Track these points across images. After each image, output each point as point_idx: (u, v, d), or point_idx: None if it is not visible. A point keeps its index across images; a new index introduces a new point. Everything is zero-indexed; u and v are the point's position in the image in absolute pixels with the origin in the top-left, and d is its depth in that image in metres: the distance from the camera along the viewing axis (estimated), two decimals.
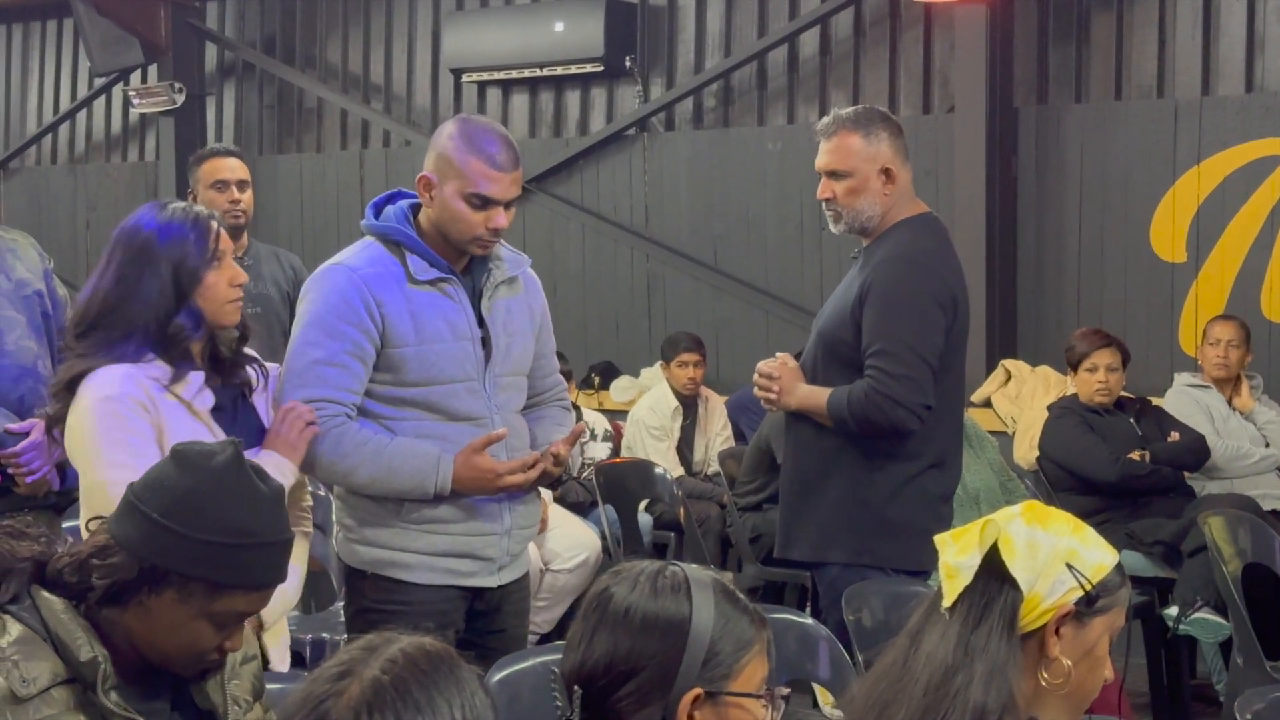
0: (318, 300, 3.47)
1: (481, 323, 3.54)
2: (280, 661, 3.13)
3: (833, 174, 4.00)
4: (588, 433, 7.38)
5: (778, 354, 4.19)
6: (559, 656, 3.13)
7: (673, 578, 2.10)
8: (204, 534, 2.14)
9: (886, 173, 3.98)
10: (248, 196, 5.20)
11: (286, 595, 3.07)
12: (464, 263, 3.56)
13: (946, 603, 2.14)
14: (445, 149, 3.47)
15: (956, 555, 2.14)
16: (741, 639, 2.09)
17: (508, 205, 3.49)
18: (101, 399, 2.97)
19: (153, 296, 3.04)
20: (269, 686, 2.44)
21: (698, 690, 2.04)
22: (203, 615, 2.17)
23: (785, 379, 4.06)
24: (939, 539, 2.19)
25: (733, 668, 2.07)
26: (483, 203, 3.47)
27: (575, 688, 2.04)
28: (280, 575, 2.23)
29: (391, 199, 3.60)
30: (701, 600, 2.08)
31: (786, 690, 2.14)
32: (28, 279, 3.92)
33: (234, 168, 5.19)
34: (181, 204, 3.16)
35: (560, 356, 4.00)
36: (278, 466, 3.12)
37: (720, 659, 2.06)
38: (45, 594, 2.16)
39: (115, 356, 3.01)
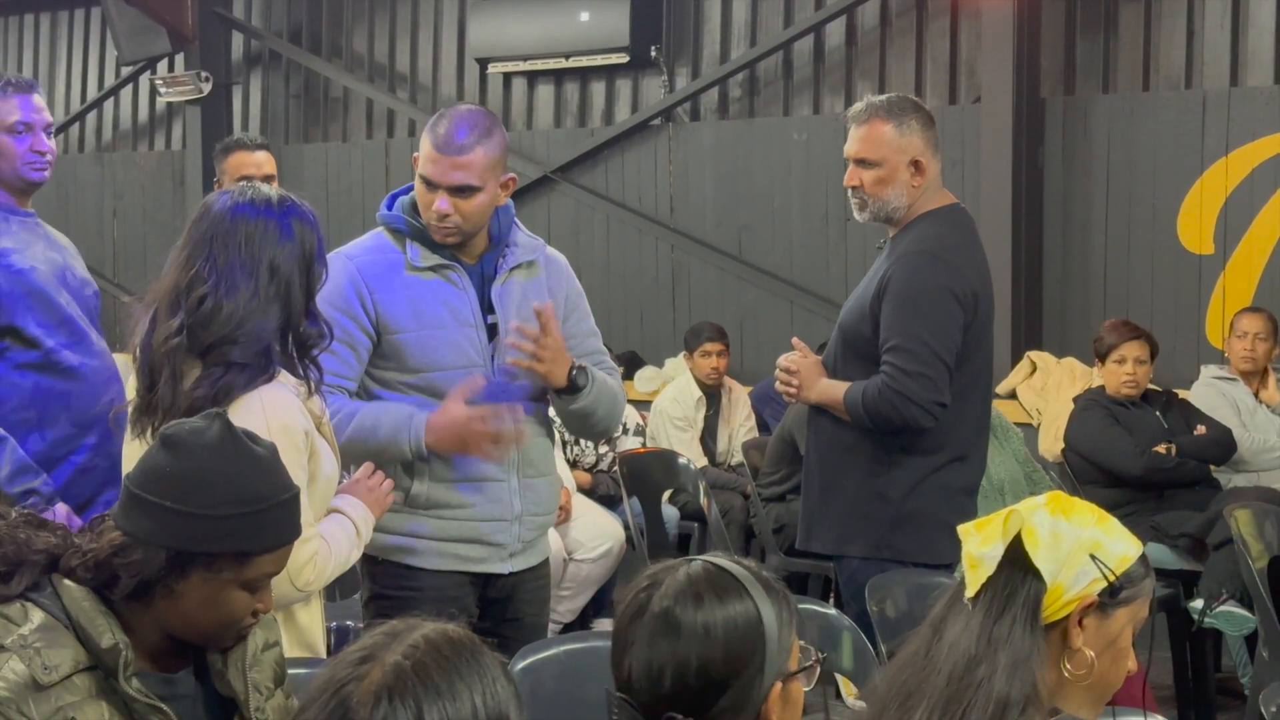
0: None
1: (493, 309, 3.54)
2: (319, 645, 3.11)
3: (862, 162, 3.98)
4: (620, 426, 7.39)
5: (794, 341, 4.19)
6: (582, 646, 3.16)
7: (719, 577, 2.08)
8: (222, 509, 2.14)
9: (916, 164, 3.95)
10: None
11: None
12: (474, 250, 3.56)
13: (969, 593, 2.13)
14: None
15: (979, 545, 2.14)
16: (784, 615, 2.09)
17: (458, 192, 3.44)
18: (282, 427, 2.76)
19: (288, 303, 2.85)
20: (291, 672, 2.44)
21: (778, 683, 2.04)
22: (234, 584, 2.19)
23: (805, 373, 4.06)
24: (962, 529, 2.19)
25: (789, 646, 2.08)
26: (427, 185, 3.46)
27: (676, 715, 2.01)
28: (297, 528, 2.26)
29: (409, 189, 3.61)
30: (755, 591, 2.08)
31: (823, 654, 2.14)
32: (89, 278, 3.96)
33: (260, 162, 5.18)
34: (269, 189, 2.94)
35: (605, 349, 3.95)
36: (364, 518, 3.08)
37: (782, 643, 2.07)
38: (66, 582, 2.17)
39: (267, 373, 2.81)
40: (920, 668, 2.14)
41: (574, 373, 3.56)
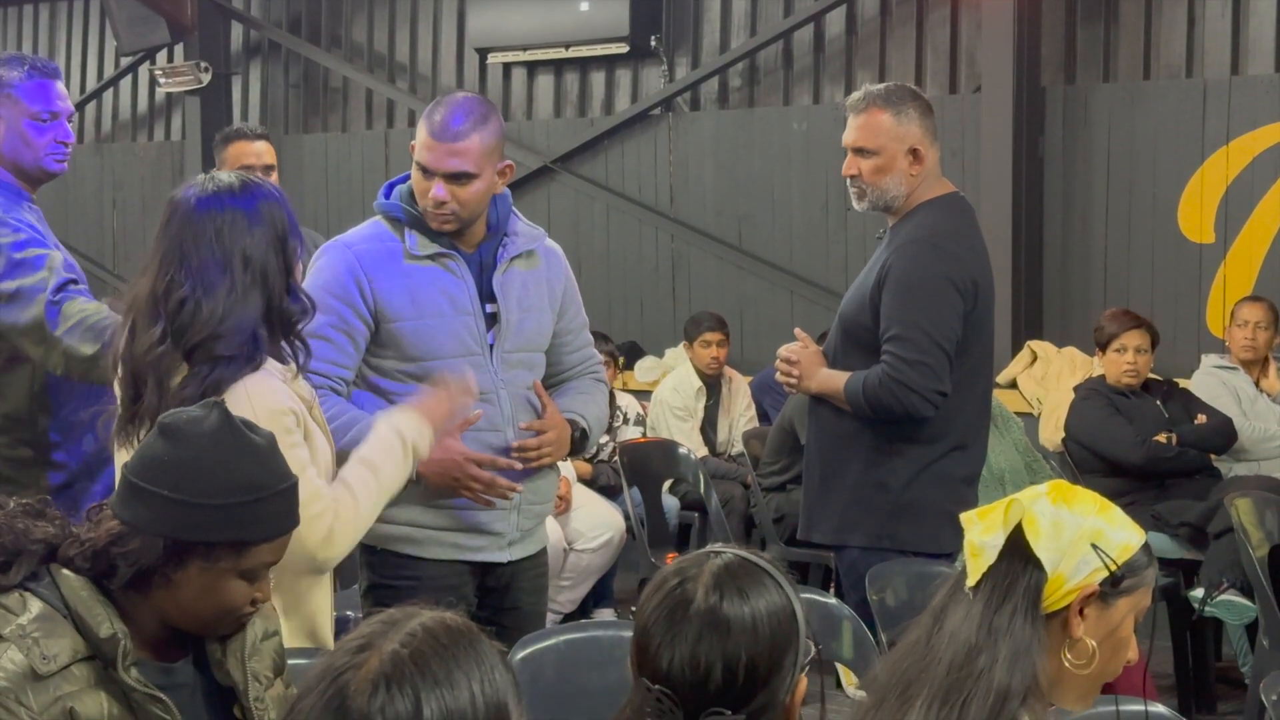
0: (311, 275, 3.50)
1: (494, 298, 3.54)
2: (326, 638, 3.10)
3: (859, 151, 3.99)
4: (620, 416, 7.39)
5: (796, 331, 4.20)
6: (582, 636, 3.16)
7: (754, 572, 2.08)
8: (220, 499, 2.14)
9: (914, 153, 3.95)
10: (273, 180, 5.16)
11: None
12: (472, 238, 3.55)
13: (970, 582, 2.12)
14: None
15: (981, 534, 2.13)
16: (803, 609, 2.09)
17: (454, 179, 3.43)
18: (269, 413, 2.72)
19: (267, 287, 2.82)
20: (291, 662, 2.44)
21: (803, 677, 2.05)
22: (232, 573, 2.19)
23: (805, 363, 4.06)
24: (964, 517, 2.18)
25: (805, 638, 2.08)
26: (423, 172, 3.46)
27: (724, 711, 2.01)
28: (295, 517, 2.25)
29: (407, 178, 3.60)
30: (785, 585, 2.08)
31: (819, 645, 2.14)
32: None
33: (260, 152, 5.17)
34: (228, 175, 2.92)
35: (604, 338, 3.96)
36: (417, 432, 3.09)
37: (806, 637, 2.07)
38: (65, 571, 2.16)
39: (254, 363, 2.79)
40: (920, 657, 2.13)
41: (576, 437, 3.64)
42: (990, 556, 2.11)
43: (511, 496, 3.51)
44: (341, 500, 2.90)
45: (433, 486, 3.45)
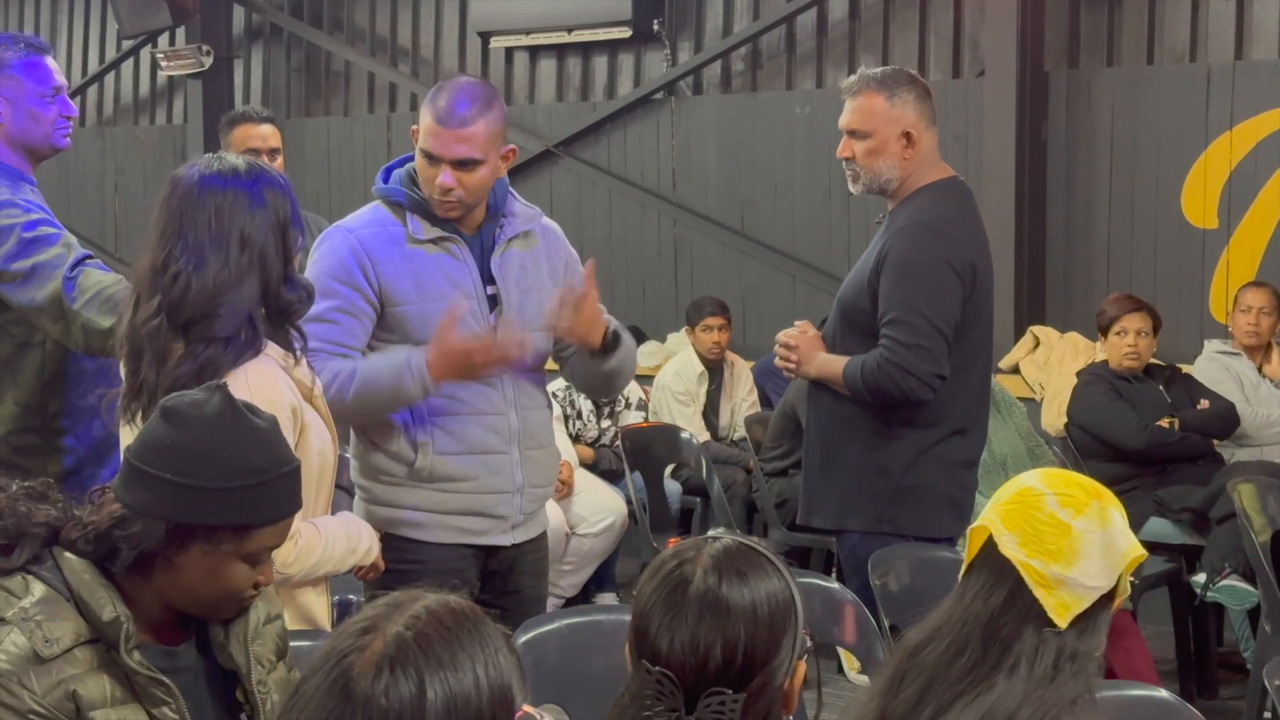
0: (315, 261, 3.52)
1: (493, 280, 3.54)
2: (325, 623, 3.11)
3: (853, 133, 4.00)
4: (622, 401, 7.39)
5: (796, 322, 4.20)
6: (584, 620, 3.16)
7: (753, 555, 2.08)
8: (222, 482, 2.14)
9: (907, 136, 3.96)
10: (278, 164, 5.16)
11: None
12: (472, 221, 3.55)
13: (1063, 623, 2.13)
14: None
15: (1060, 568, 2.13)
16: (800, 594, 2.09)
17: (461, 166, 3.43)
18: (267, 404, 2.64)
19: (264, 272, 2.80)
20: (294, 645, 2.44)
21: (800, 662, 2.05)
22: (235, 557, 2.19)
23: (804, 347, 4.06)
24: (990, 526, 2.17)
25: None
26: (429, 159, 3.45)
27: (725, 690, 2.01)
28: (298, 501, 2.25)
29: (404, 162, 3.60)
30: (783, 569, 2.08)
31: (815, 639, 2.15)
32: None
33: (266, 135, 5.16)
34: (234, 158, 2.90)
35: None
36: (370, 542, 3.12)
37: (803, 621, 2.08)
38: (67, 555, 2.17)
39: (254, 347, 2.79)
40: (968, 673, 2.12)
41: (609, 334, 3.59)
42: (1091, 597, 2.13)
43: (517, 354, 3.48)
44: (304, 527, 2.90)
45: (453, 380, 3.43)
